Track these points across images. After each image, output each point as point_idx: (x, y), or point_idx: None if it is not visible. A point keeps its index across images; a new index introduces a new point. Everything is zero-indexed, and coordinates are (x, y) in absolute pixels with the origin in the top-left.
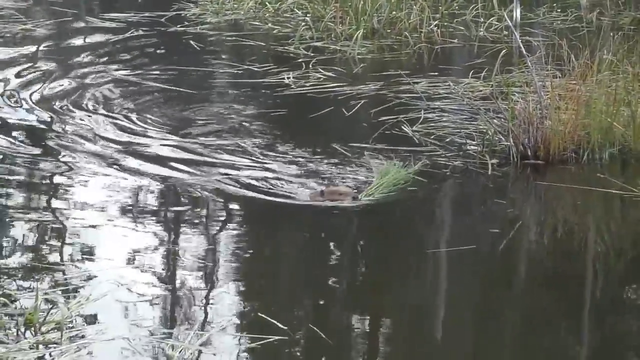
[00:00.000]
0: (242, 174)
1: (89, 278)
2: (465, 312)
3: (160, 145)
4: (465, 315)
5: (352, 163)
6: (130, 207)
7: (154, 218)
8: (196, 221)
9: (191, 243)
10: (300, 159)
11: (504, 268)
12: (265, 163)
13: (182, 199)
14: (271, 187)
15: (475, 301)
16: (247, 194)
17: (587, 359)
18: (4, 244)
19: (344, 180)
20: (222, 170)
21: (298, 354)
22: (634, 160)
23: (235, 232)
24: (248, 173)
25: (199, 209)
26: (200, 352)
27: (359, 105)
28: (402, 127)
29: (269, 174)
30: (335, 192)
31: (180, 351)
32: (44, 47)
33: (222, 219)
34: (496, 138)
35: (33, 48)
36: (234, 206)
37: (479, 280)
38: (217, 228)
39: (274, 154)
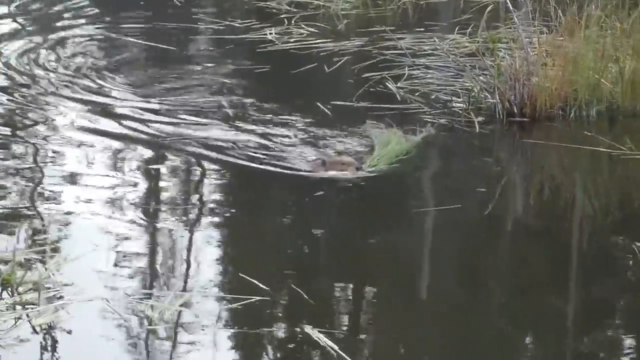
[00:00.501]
0: (232, 139)
1: (67, 239)
2: (452, 271)
3: (135, 106)
4: (451, 275)
5: (352, 131)
6: (111, 169)
7: (135, 180)
8: (181, 185)
9: (174, 206)
10: (295, 123)
11: (491, 226)
12: (255, 128)
13: (164, 161)
14: (266, 155)
15: (462, 260)
16: (240, 162)
17: (574, 316)
18: None
19: (344, 150)
20: (208, 134)
21: (280, 314)
22: (622, 117)
23: (224, 198)
24: (238, 137)
25: (182, 171)
26: (180, 313)
27: (342, 62)
28: (387, 84)
29: (262, 141)
30: (337, 162)
31: (160, 312)
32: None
33: (212, 183)
34: (482, 95)
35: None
36: (226, 172)
37: (467, 239)
38: (205, 192)
39: (262, 117)
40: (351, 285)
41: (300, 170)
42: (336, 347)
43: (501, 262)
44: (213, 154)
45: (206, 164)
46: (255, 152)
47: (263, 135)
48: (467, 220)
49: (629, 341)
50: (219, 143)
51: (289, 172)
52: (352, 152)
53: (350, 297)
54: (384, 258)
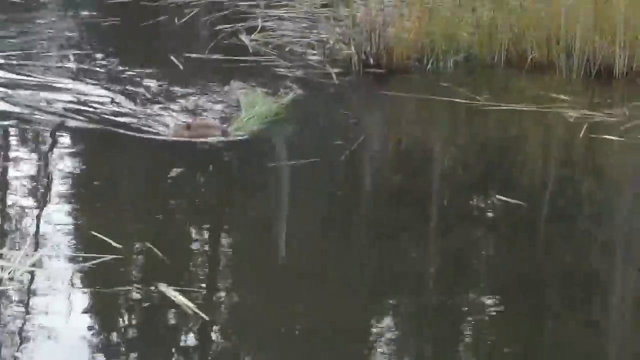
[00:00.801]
0: (83, 99)
1: None
2: (308, 225)
3: None
4: (307, 230)
5: (215, 92)
6: None
7: None
8: (29, 150)
9: (25, 166)
10: (151, 83)
11: (348, 180)
12: (108, 87)
13: (7, 121)
14: (122, 117)
15: (319, 213)
16: (93, 125)
17: (431, 267)
18: None
19: (208, 113)
20: (56, 95)
21: (134, 273)
22: (480, 67)
23: (78, 162)
24: (89, 97)
25: (30, 136)
26: (31, 273)
27: (193, 14)
28: (240, 36)
29: (116, 100)
30: (203, 126)
31: (10, 272)
32: None
33: (64, 148)
34: (337, 47)
35: None
36: (78, 136)
37: (324, 193)
38: (56, 157)
39: (114, 74)
40: (207, 244)
41: (161, 135)
42: (192, 306)
43: (357, 215)
44: (63, 117)
45: (56, 127)
46: (109, 114)
47: (118, 94)
48: (326, 175)
49: (487, 296)
50: (69, 104)
51: (149, 136)
52: (218, 113)
53: (206, 256)
54: (240, 216)
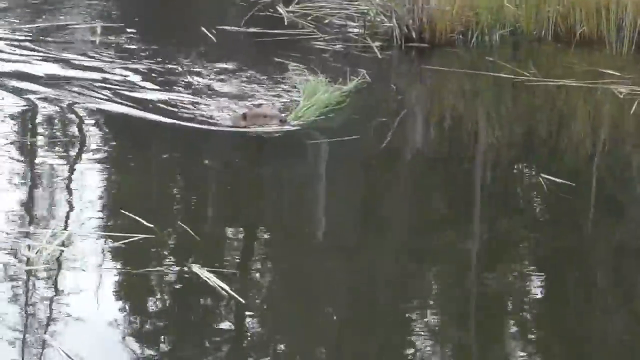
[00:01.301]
0: (118, 79)
1: None
2: (350, 207)
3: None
4: (349, 211)
5: (274, 80)
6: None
7: (15, 121)
8: (63, 127)
9: (54, 146)
10: (202, 71)
11: (391, 156)
12: (154, 73)
13: (44, 103)
14: (177, 107)
15: (361, 190)
16: (149, 117)
17: (478, 253)
18: None
19: (267, 100)
20: (89, 74)
21: (166, 253)
22: (526, 42)
23: (110, 141)
24: (125, 77)
25: (66, 114)
26: (61, 252)
27: None
28: (277, 7)
29: (167, 90)
30: (259, 115)
31: (38, 252)
32: None
33: (101, 128)
34: (378, 19)
35: None
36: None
37: (364, 169)
38: (94, 142)
39: (157, 59)
40: (242, 226)
41: (218, 125)
42: (227, 288)
43: (402, 195)
44: (101, 98)
45: (95, 110)
46: (153, 100)
47: (155, 75)
48: (367, 150)
49: (535, 277)
50: (107, 84)
51: (206, 127)
52: (274, 101)
53: (241, 237)
54: (277, 199)
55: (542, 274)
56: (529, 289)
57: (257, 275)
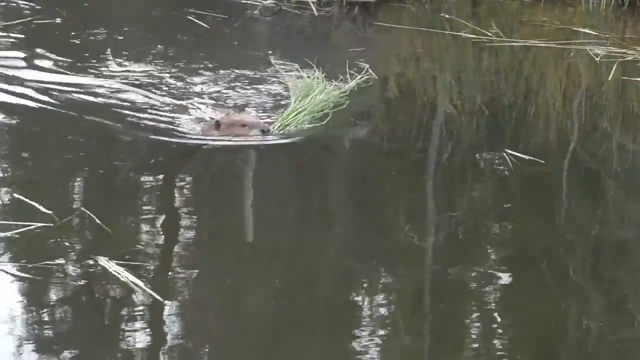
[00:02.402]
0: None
1: None
2: (278, 202)
3: None
4: (276, 206)
5: (260, 78)
6: None
7: None
8: None
9: None
10: (173, 68)
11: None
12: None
13: None
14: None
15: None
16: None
17: (433, 229)
18: None
19: (249, 105)
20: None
21: (68, 244)
22: None
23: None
24: (97, 89)
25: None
26: None
27: None
28: None
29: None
30: (236, 124)
31: None
32: None
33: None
34: None
35: None
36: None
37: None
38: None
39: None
40: (153, 216)
41: (186, 136)
42: (140, 283)
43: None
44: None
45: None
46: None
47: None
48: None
49: (497, 265)
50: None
51: (170, 139)
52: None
53: (154, 228)
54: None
55: (505, 263)
56: (492, 278)
57: (174, 270)
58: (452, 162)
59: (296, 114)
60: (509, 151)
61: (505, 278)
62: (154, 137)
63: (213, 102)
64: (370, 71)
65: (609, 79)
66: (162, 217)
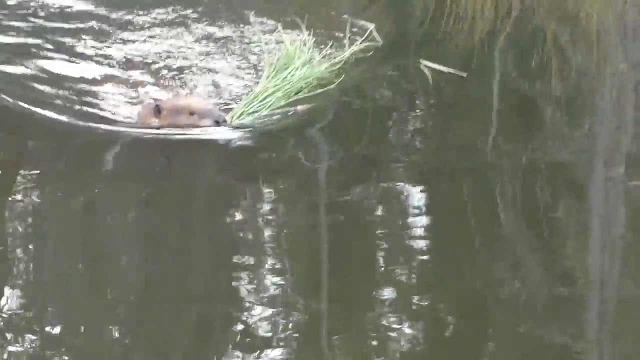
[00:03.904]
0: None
1: None
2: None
3: None
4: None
5: (227, 43)
6: None
7: None
8: None
9: None
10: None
11: None
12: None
13: None
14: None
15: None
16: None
17: None
18: None
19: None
20: None
21: None
22: None
23: None
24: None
25: None
26: None
27: None
28: None
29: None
30: (182, 110)
31: None
32: None
33: None
34: None
35: None
36: None
37: None
38: None
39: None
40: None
41: (109, 122)
42: None
43: None
44: None
45: None
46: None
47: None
48: None
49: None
50: None
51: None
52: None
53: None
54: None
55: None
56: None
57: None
58: None
59: (264, 98)
60: (426, 62)
61: (417, 193)
62: (61, 119)
63: (153, 74)
64: (375, 34)
65: None
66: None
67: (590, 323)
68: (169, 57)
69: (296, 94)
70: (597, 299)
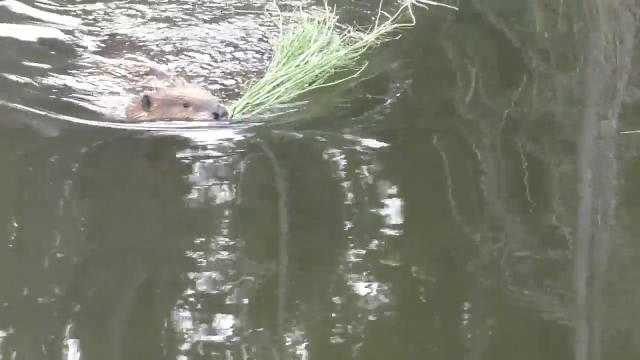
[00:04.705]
0: None
1: None
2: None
3: None
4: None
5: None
6: None
7: None
8: None
9: None
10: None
11: None
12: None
13: None
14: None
15: None
16: None
17: None
18: None
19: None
20: None
21: None
22: None
23: None
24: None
25: None
26: None
27: None
28: None
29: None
30: (175, 101)
31: None
32: None
33: None
34: None
35: None
36: None
37: None
38: None
39: None
40: None
41: (95, 116)
42: None
43: None
44: None
45: None
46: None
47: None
48: None
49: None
50: None
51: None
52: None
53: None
54: None
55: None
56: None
57: None
58: None
59: (273, 88)
60: None
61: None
62: (42, 112)
63: (149, 61)
64: (409, 11)
65: None
66: None
67: (579, 287)
68: (168, 42)
69: (310, 84)
70: (585, 262)
